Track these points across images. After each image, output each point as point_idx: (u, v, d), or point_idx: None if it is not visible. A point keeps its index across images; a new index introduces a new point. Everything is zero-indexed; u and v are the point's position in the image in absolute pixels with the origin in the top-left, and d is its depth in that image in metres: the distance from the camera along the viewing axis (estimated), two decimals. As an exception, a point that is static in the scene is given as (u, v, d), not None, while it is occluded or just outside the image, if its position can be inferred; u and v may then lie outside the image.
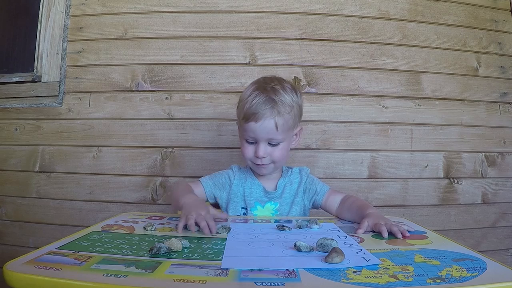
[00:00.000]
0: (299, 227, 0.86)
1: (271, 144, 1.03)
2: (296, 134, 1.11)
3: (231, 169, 1.14)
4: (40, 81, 1.69)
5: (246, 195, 1.09)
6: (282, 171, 1.15)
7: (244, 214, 1.08)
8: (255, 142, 1.03)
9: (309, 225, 0.87)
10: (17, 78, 1.70)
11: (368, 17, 1.64)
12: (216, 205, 1.13)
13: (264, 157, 1.03)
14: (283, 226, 0.85)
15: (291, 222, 0.91)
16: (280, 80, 1.08)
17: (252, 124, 1.00)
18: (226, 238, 0.77)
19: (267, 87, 1.03)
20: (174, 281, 0.53)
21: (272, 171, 1.10)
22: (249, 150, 1.04)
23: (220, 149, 1.56)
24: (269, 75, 1.12)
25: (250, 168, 1.14)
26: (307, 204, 1.13)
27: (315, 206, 1.13)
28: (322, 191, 1.11)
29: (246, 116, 1.00)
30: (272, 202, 1.09)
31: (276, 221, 0.95)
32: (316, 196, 1.11)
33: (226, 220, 0.96)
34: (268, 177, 1.12)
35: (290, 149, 1.10)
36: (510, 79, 1.72)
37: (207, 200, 1.11)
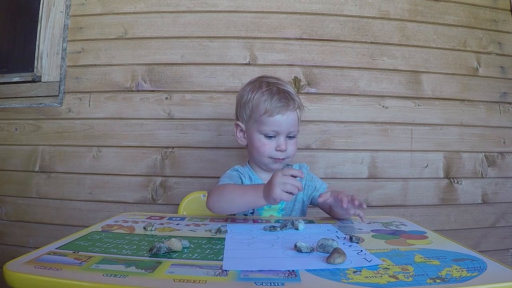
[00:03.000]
0: (285, 226, 0.85)
1: (289, 137, 1.06)
2: None
3: (236, 170, 1.14)
4: (40, 81, 1.69)
5: None
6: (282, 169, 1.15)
7: (251, 213, 1.09)
8: (274, 137, 1.05)
9: (295, 224, 0.86)
10: (17, 78, 1.70)
11: (368, 17, 1.64)
12: None
13: (285, 150, 1.05)
14: (273, 226, 0.85)
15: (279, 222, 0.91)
16: (277, 78, 1.13)
17: (278, 117, 1.03)
18: (225, 238, 0.77)
19: (276, 83, 1.08)
20: (174, 281, 0.53)
21: (282, 166, 1.11)
22: (268, 145, 1.05)
23: (219, 149, 1.56)
24: (262, 75, 1.15)
25: (250, 168, 1.14)
26: (305, 200, 1.13)
27: (313, 203, 1.14)
28: (322, 188, 1.12)
29: (270, 110, 1.03)
30: None
31: (276, 221, 0.95)
32: (315, 192, 1.12)
33: (226, 220, 0.96)
34: (269, 175, 1.12)
35: None
36: (510, 79, 1.72)
37: None
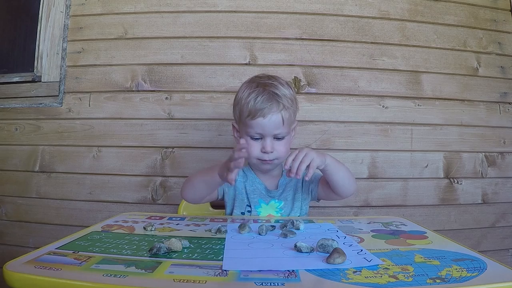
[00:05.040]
0: (285, 226, 0.85)
1: (277, 138, 1.05)
2: (293, 129, 1.12)
3: None
4: (40, 81, 1.69)
5: (249, 193, 1.10)
6: (283, 170, 1.15)
7: (248, 211, 1.09)
8: (260, 138, 1.04)
9: (295, 224, 0.86)
10: (17, 78, 1.70)
11: (368, 17, 1.64)
12: (220, 203, 1.14)
13: (271, 152, 1.04)
14: (273, 226, 0.85)
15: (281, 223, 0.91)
16: (274, 77, 1.10)
17: (260, 120, 1.01)
18: (225, 238, 0.77)
19: (266, 83, 1.05)
20: (174, 281, 0.53)
21: (274, 167, 1.11)
22: (255, 147, 1.04)
23: (220, 149, 1.56)
24: (261, 73, 1.13)
25: (250, 167, 1.14)
26: (306, 197, 1.13)
27: (313, 196, 1.14)
28: (316, 179, 1.12)
29: (252, 113, 1.01)
30: (276, 200, 1.10)
31: (276, 221, 0.95)
32: (311, 184, 1.12)
33: (226, 220, 0.96)
34: (268, 176, 1.12)
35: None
36: (510, 79, 1.72)
37: (217, 198, 1.11)
